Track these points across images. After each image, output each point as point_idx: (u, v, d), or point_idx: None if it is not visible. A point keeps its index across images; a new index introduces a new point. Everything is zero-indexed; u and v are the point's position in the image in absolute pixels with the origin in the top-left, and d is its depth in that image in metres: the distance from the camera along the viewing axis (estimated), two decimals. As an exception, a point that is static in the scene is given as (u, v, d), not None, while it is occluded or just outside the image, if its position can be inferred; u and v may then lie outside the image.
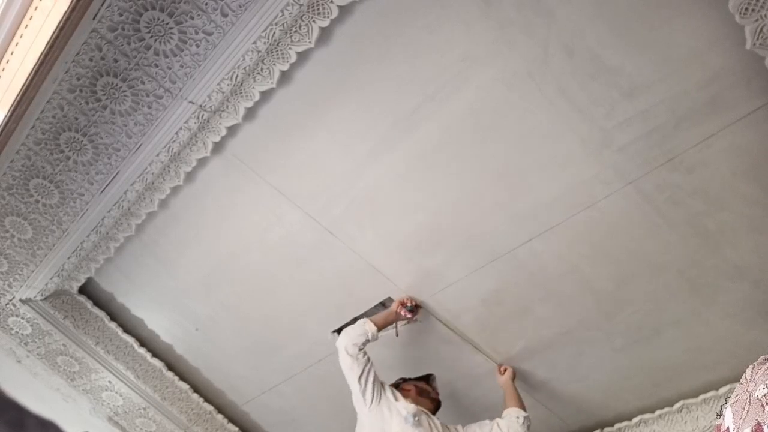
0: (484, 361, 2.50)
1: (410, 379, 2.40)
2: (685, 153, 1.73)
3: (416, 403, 2.19)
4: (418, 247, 2.18)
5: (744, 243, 1.88)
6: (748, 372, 0.99)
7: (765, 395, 0.90)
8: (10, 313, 2.62)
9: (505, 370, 2.43)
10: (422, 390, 2.31)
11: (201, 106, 1.87)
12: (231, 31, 1.69)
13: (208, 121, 1.92)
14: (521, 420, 2.22)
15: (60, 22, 1.65)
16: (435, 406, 2.32)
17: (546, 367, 2.44)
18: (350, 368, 2.12)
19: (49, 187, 2.16)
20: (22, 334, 2.70)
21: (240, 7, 1.64)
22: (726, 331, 2.12)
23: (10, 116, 1.91)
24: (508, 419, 2.23)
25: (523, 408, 2.28)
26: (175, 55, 1.76)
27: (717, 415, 2.20)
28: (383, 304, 2.43)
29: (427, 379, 2.48)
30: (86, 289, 2.66)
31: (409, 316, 2.30)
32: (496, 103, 1.76)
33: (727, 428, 0.96)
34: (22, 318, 2.64)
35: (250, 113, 1.92)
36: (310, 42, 1.69)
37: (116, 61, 1.78)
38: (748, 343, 2.11)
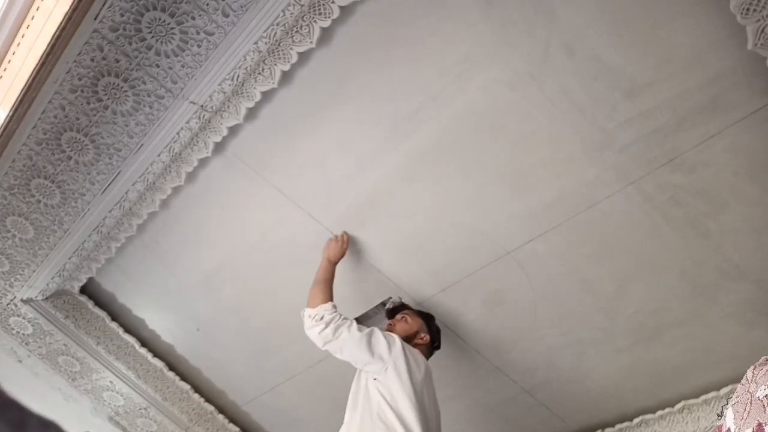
0: (485, 362, 2.50)
1: (410, 309, 2.25)
2: (686, 153, 1.73)
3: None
4: (418, 247, 2.18)
5: (745, 243, 1.88)
6: (749, 373, 0.99)
7: (766, 396, 0.90)
8: (11, 312, 2.62)
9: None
10: (403, 329, 2.11)
11: (202, 106, 1.88)
12: (232, 32, 1.70)
13: (209, 122, 1.92)
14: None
15: (61, 22, 1.66)
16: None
17: (547, 367, 2.43)
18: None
19: (51, 187, 2.16)
20: (23, 334, 2.70)
21: (241, 7, 1.64)
22: (727, 332, 2.12)
23: (12, 116, 1.91)
24: None
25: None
26: (177, 56, 1.76)
27: (718, 415, 2.20)
28: (383, 304, 2.43)
29: (427, 318, 2.25)
30: (87, 289, 2.66)
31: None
32: (497, 104, 1.76)
33: (728, 429, 0.96)
34: (24, 318, 2.64)
35: (252, 113, 1.92)
36: (311, 42, 1.69)
37: (117, 61, 1.78)
38: (750, 344, 2.11)
